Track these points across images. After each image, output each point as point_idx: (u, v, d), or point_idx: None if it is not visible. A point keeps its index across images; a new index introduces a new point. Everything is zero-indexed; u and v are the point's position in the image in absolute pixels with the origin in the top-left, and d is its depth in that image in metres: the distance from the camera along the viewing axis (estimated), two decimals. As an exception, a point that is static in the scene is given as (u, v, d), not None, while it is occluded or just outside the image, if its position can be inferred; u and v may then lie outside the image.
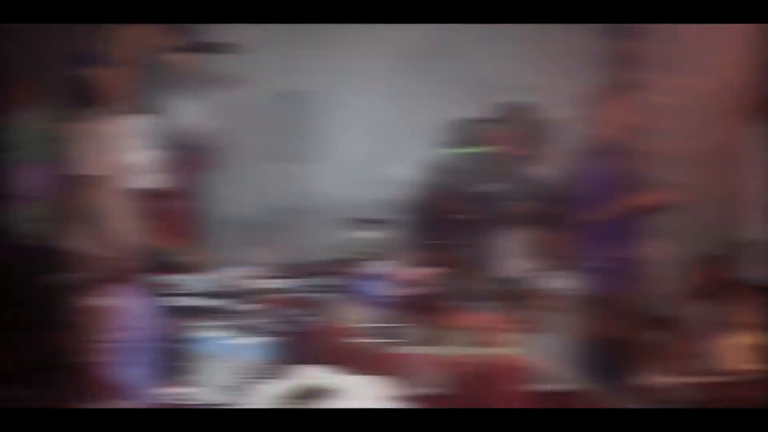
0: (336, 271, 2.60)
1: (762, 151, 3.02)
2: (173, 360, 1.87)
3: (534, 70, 5.46)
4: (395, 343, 2.43)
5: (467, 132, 3.50)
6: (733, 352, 4.53)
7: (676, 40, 5.48)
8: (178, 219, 3.20)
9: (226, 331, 1.79)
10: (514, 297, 3.42)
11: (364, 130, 5.58)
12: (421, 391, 3.67)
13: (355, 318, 2.49)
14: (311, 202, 5.38)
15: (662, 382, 4.31)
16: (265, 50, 5.13)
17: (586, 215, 3.59)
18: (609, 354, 3.63)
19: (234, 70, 2.85)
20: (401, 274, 2.75)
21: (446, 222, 3.31)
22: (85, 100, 2.76)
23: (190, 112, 3.01)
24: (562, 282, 4.56)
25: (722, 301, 4.61)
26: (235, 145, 5.08)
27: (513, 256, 3.30)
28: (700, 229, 5.44)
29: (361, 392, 1.74)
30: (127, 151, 2.60)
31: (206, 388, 1.78)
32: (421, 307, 2.89)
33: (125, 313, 1.99)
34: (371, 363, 2.16)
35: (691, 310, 4.87)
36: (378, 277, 2.66)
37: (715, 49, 5.48)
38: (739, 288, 4.66)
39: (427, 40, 5.48)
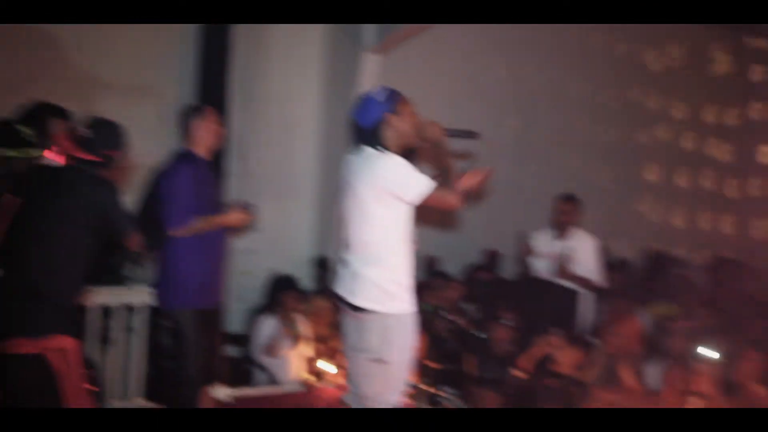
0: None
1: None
2: None
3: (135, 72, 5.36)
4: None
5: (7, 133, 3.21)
6: (297, 362, 4.91)
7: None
8: None
9: None
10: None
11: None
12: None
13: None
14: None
15: (229, 394, 4.47)
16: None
17: (172, 230, 3.57)
18: (184, 368, 3.64)
19: None
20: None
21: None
22: None
23: None
24: (139, 297, 4.47)
25: (289, 315, 4.97)
26: None
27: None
28: (271, 247, 5.84)
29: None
30: None
31: None
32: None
33: None
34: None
35: (255, 324, 5.14)
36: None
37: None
38: (306, 302, 5.06)
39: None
